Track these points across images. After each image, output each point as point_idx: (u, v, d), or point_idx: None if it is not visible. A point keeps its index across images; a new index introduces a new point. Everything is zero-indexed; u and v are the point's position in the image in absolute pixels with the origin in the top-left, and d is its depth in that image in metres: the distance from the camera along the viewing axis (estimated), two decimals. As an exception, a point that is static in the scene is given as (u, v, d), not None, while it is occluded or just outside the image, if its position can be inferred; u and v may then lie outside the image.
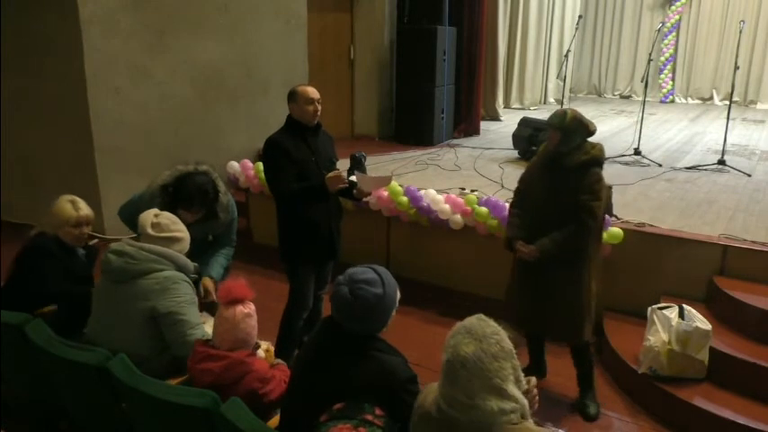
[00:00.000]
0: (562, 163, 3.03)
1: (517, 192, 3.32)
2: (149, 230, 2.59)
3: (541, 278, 3.11)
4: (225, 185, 3.24)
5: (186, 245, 2.67)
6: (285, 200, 3.20)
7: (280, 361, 2.57)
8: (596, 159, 3.04)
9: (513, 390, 1.57)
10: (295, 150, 3.12)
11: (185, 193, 3.00)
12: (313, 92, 3.18)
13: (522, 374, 1.65)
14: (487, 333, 1.59)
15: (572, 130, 3.02)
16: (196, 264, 2.75)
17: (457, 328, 1.67)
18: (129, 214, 3.13)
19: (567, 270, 3.07)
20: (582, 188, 2.99)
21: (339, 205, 3.42)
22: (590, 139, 3.13)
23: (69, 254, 2.96)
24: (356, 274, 1.91)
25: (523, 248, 3.07)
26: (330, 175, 3.09)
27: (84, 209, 2.97)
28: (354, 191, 3.38)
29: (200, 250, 3.20)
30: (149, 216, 2.61)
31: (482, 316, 1.67)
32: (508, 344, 1.60)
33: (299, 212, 3.22)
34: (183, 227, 2.70)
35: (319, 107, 3.20)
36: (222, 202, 3.16)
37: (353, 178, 3.20)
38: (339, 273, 2.00)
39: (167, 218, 2.66)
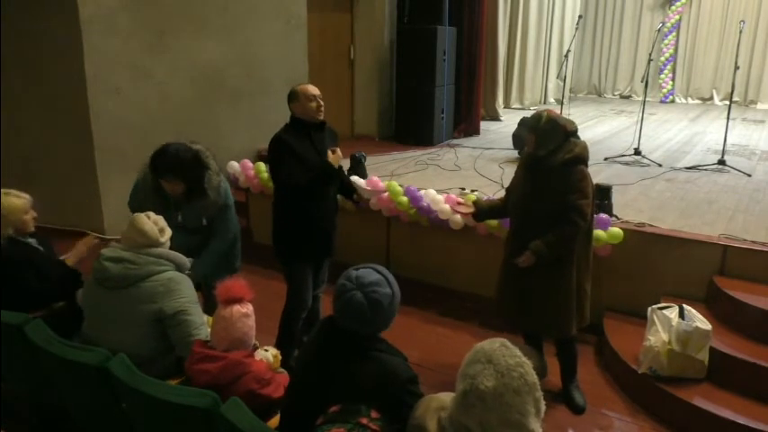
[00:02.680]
0: (544, 164, 3.03)
1: (505, 194, 3.45)
2: (162, 239, 2.58)
3: (526, 276, 3.12)
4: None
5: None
6: (296, 192, 3.19)
7: (283, 370, 2.56)
8: (580, 157, 3.02)
9: (534, 424, 1.48)
10: (300, 148, 3.14)
11: (159, 160, 3.01)
12: (313, 88, 3.21)
13: (544, 405, 1.53)
14: (511, 365, 1.47)
15: (547, 132, 3.01)
16: (191, 258, 2.75)
17: (476, 353, 1.54)
18: (136, 202, 3.19)
19: (552, 267, 3.08)
20: (568, 187, 2.99)
21: (336, 202, 3.44)
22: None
23: (34, 251, 2.95)
24: (363, 277, 1.89)
25: (520, 258, 3.08)
26: (329, 157, 3.14)
27: (21, 193, 2.94)
28: (354, 195, 3.45)
29: (197, 239, 3.18)
30: (152, 226, 2.57)
31: (506, 342, 1.54)
32: (532, 376, 1.49)
33: (300, 211, 3.23)
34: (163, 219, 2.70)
35: (322, 103, 3.22)
36: (212, 181, 3.11)
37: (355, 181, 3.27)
38: (335, 273, 1.99)
39: (157, 217, 2.65)
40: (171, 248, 2.66)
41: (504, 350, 1.51)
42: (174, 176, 3.01)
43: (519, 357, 1.50)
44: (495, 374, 1.46)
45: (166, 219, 3.09)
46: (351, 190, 3.54)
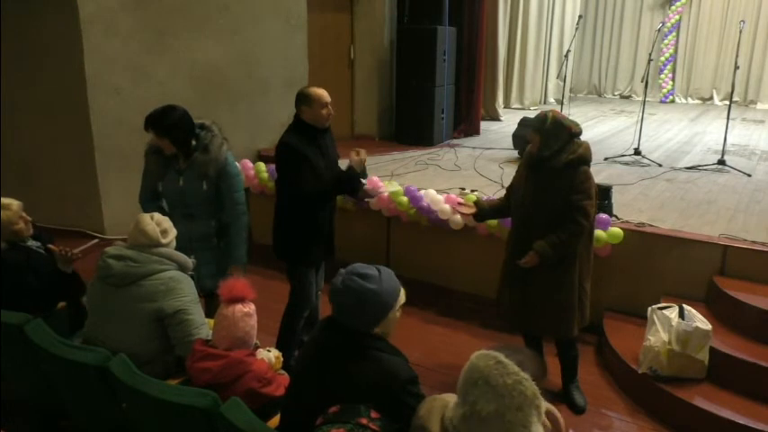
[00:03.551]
0: (548, 164, 3.03)
1: (506, 194, 3.45)
2: (163, 240, 2.58)
3: (528, 276, 3.12)
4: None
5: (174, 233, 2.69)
6: (314, 199, 3.20)
7: (284, 372, 2.57)
8: (583, 158, 3.03)
9: (537, 430, 1.47)
10: (311, 154, 3.14)
11: (149, 114, 3.05)
12: (327, 95, 3.19)
13: (543, 406, 1.50)
14: (509, 385, 1.44)
15: (552, 133, 3.01)
16: (193, 260, 2.76)
17: (472, 372, 1.50)
18: (148, 193, 3.23)
19: (554, 268, 3.08)
20: (572, 188, 2.99)
21: (335, 204, 3.46)
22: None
23: (33, 254, 2.95)
24: (356, 267, 1.93)
25: (523, 259, 3.08)
26: (354, 159, 3.19)
27: (12, 200, 2.93)
28: (360, 192, 3.47)
29: (198, 228, 3.18)
30: (154, 227, 2.57)
31: (499, 357, 1.50)
32: (532, 388, 1.46)
33: (308, 214, 3.23)
34: (168, 220, 2.69)
35: (333, 111, 3.22)
36: (215, 140, 3.11)
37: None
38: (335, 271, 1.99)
39: (161, 218, 2.66)
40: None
41: (501, 368, 1.47)
42: (161, 130, 3.03)
43: (516, 374, 1.47)
44: (494, 397, 1.45)
45: (167, 181, 3.13)
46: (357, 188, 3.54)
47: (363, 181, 3.30)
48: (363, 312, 1.89)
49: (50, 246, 3.03)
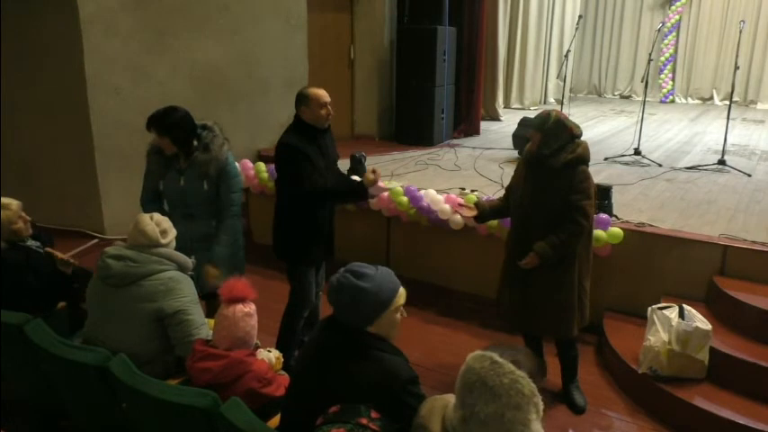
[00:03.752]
0: (547, 163, 3.03)
1: (505, 194, 3.45)
2: (162, 240, 2.58)
3: (529, 277, 3.12)
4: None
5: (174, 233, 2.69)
6: (316, 198, 3.20)
7: (284, 372, 2.57)
8: (582, 158, 3.03)
9: (536, 426, 1.48)
10: (312, 154, 3.14)
11: (151, 115, 3.06)
12: (326, 95, 3.18)
13: (542, 405, 1.50)
14: (506, 385, 1.45)
15: (553, 132, 3.01)
16: (193, 260, 2.76)
17: (468, 375, 1.51)
18: (149, 194, 3.24)
19: (554, 268, 3.08)
20: (571, 188, 2.99)
21: (334, 205, 3.46)
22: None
23: (32, 254, 2.96)
24: (354, 265, 1.94)
25: (524, 260, 3.08)
26: (369, 178, 3.21)
27: (11, 200, 2.95)
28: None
29: (198, 228, 3.18)
30: (153, 227, 2.57)
31: (494, 357, 1.51)
32: (529, 386, 1.47)
33: (309, 214, 3.23)
34: (168, 220, 2.70)
35: (332, 111, 3.22)
36: (216, 139, 3.13)
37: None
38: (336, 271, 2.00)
39: (160, 218, 2.66)
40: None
41: (497, 368, 1.48)
42: (162, 129, 3.05)
43: (512, 373, 1.48)
44: (492, 398, 1.45)
45: (168, 181, 3.15)
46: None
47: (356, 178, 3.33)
48: (357, 310, 1.90)
49: (48, 248, 3.04)
